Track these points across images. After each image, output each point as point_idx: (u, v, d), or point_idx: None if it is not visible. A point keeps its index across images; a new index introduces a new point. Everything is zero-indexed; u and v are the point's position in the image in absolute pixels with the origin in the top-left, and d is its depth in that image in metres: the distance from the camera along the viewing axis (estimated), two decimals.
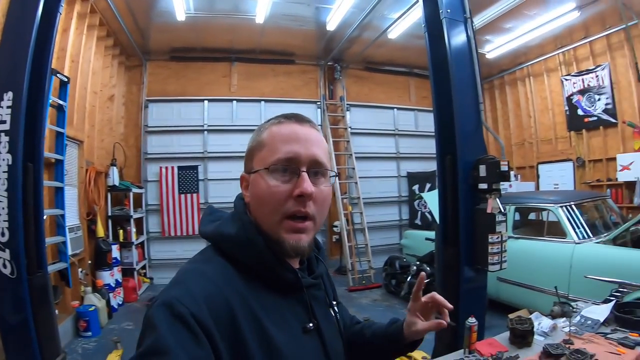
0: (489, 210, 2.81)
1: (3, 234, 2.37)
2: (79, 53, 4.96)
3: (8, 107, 2.38)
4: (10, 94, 2.37)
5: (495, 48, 7.66)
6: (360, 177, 7.83)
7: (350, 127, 8.29)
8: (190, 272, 0.76)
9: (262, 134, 0.86)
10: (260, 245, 0.79)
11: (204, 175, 7.71)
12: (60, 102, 4.16)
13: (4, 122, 2.37)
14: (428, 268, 4.98)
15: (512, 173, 7.43)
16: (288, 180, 0.80)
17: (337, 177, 7.62)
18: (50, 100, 3.82)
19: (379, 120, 8.77)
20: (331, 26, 6.62)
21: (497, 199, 2.82)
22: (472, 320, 2.83)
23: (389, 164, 8.87)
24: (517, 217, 5.11)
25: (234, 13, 6.26)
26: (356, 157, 7.99)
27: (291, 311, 0.82)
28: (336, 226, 7.62)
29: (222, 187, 7.72)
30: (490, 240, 2.79)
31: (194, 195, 7.54)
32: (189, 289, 0.69)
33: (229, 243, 0.81)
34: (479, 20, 6.11)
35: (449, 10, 3.00)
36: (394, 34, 6.97)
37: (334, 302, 1.00)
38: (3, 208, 2.38)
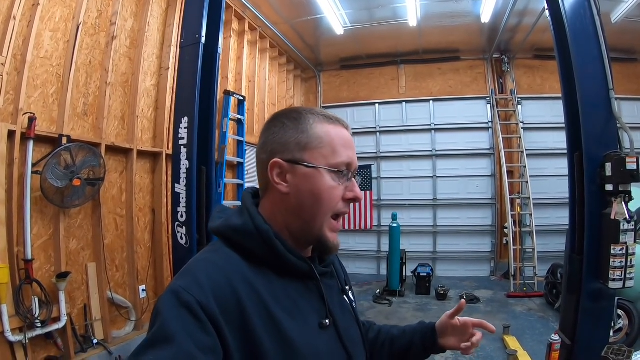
0: (612, 216, 2.39)
1: (182, 216, 3.39)
2: (254, 74, 6.19)
3: (185, 127, 3.38)
4: (186, 118, 3.37)
5: None
6: (532, 176, 7.02)
7: (522, 122, 7.51)
8: (198, 262, 0.77)
9: (313, 128, 0.83)
10: (268, 234, 0.79)
11: (377, 174, 8.32)
12: (239, 116, 5.36)
13: (182, 138, 3.38)
14: None
15: None
16: (342, 183, 0.83)
17: (507, 176, 7.05)
18: (230, 116, 5.00)
19: (554, 113, 7.55)
20: (485, 17, 6.19)
21: (623, 204, 2.36)
22: (554, 337, 2.50)
23: (566, 161, 7.60)
24: None
25: (387, 20, 6.58)
26: (529, 155, 7.19)
27: (305, 300, 0.82)
28: (507, 227, 7.11)
29: (394, 184, 8.28)
30: (612, 252, 2.36)
31: (368, 192, 8.17)
32: (196, 277, 0.70)
33: (236, 234, 0.80)
34: None
35: None
36: None
37: (347, 288, 0.99)
38: (183, 198, 3.40)
